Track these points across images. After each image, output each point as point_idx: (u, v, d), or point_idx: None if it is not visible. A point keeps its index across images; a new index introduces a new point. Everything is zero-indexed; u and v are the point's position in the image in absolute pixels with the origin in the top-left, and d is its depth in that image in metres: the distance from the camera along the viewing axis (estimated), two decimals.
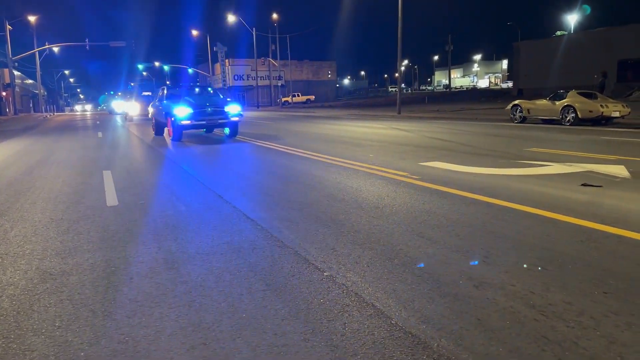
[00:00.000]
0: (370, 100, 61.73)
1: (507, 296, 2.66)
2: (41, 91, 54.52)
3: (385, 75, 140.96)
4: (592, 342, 2.16)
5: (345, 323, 2.41)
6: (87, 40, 43.60)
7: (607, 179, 5.83)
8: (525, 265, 3.11)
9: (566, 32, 47.25)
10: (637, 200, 4.75)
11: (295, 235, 3.95)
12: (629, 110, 15.55)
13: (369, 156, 8.69)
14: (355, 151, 9.63)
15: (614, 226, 3.87)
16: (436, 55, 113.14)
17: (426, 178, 6.25)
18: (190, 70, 66.99)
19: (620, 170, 6.36)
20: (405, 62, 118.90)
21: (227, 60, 68.29)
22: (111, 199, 5.75)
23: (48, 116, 46.04)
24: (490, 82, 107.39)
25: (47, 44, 46.59)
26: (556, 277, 2.91)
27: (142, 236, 4.11)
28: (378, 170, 7.05)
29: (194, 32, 60.32)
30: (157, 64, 70.19)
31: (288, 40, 59.82)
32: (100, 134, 17.92)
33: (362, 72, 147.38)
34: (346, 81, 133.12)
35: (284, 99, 60.20)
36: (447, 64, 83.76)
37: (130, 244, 3.89)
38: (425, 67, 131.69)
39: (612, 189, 5.29)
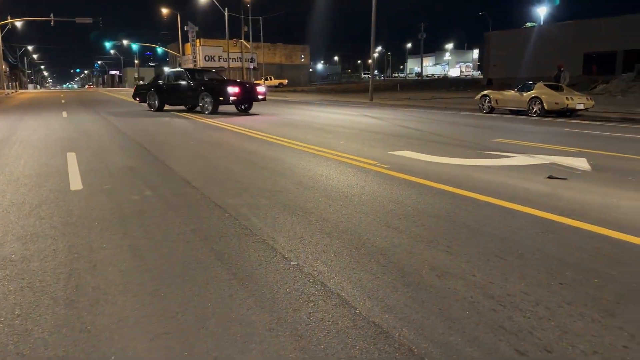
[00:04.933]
0: (343, 85, 61.69)
1: (468, 286, 2.74)
2: (2, 67, 52.37)
3: (359, 61, 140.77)
4: (546, 332, 2.25)
5: (310, 313, 2.45)
6: (52, 15, 42.00)
7: (568, 171, 6.03)
8: (485, 256, 3.20)
9: (536, 24, 48.05)
10: (595, 193, 4.93)
11: (263, 223, 3.95)
12: (592, 102, 16.01)
13: (339, 143, 8.72)
14: (327, 138, 9.64)
15: (572, 218, 4.01)
16: (409, 43, 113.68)
17: (395, 167, 6.33)
18: (159, 50, 65.40)
19: (582, 163, 6.57)
20: (379, 49, 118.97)
21: (198, 41, 66.88)
22: (75, 182, 5.62)
23: (10, 93, 44.36)
24: (461, 71, 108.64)
25: (9, 17, 44.68)
26: (515, 267, 3.01)
27: (106, 222, 4.04)
28: (348, 158, 7.08)
29: (164, 11, 58.78)
30: (125, 42, 68.23)
31: (261, 22, 59.00)
32: (65, 114, 17.39)
33: (336, 58, 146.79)
34: (320, 66, 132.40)
35: (255, 82, 59.52)
36: (419, 52, 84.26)
37: (95, 230, 3.82)
38: (399, 54, 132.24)
39: (572, 182, 5.47)
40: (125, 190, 5.18)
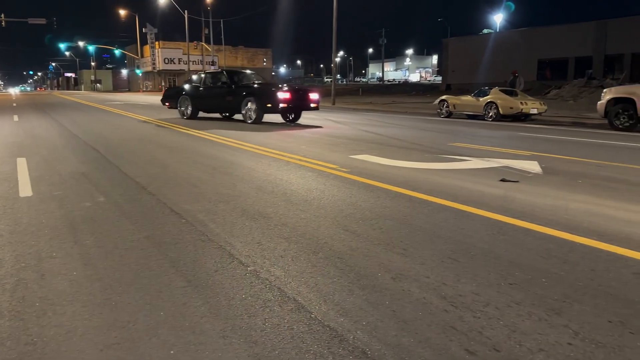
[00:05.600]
0: None
1: (422, 288, 2.79)
2: None
3: (322, 65, 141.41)
4: (495, 331, 2.32)
5: (265, 318, 2.43)
6: (2, 15, 40.39)
7: (521, 174, 6.23)
8: (439, 258, 3.27)
9: (492, 31, 49.54)
10: (546, 195, 5.11)
11: (220, 228, 3.91)
12: (545, 107, 16.65)
13: (301, 147, 8.73)
14: (288, 142, 9.63)
15: (522, 220, 4.15)
16: (371, 48, 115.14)
17: (355, 171, 6.38)
18: (117, 52, 63.87)
19: (533, 166, 6.80)
20: (341, 53, 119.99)
21: (157, 43, 65.71)
22: (25, 188, 5.41)
23: None
24: (421, 76, 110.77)
25: None
26: (467, 268, 3.09)
27: (56, 230, 3.90)
28: (309, 162, 7.10)
29: (122, 12, 57.46)
30: (81, 44, 66.28)
31: (222, 25, 58.50)
32: (16, 117, 16.73)
33: (299, 61, 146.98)
34: (282, 69, 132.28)
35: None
36: (380, 57, 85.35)
37: (43, 238, 3.69)
38: (361, 59, 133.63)
39: (524, 184, 5.66)
40: (77, 197, 5.02)
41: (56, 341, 2.24)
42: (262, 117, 13.63)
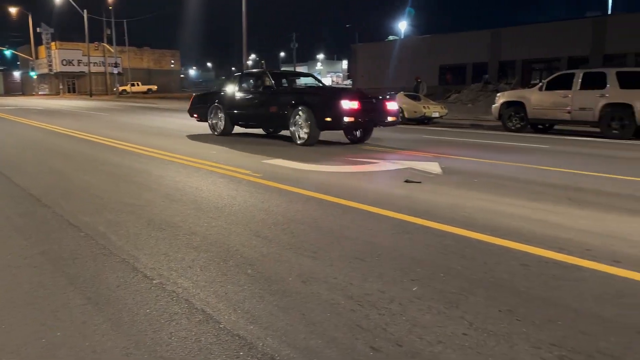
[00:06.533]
0: None
1: (330, 289, 2.86)
2: None
3: (233, 68, 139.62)
4: (398, 326, 2.43)
5: (172, 332, 2.37)
6: None
7: (423, 175, 6.58)
8: (347, 259, 3.37)
9: (397, 37, 51.79)
10: (445, 194, 5.44)
11: (123, 241, 3.74)
12: (446, 111, 17.71)
13: (211, 153, 8.57)
14: (198, 147, 9.42)
15: (424, 218, 4.38)
16: (282, 52, 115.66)
17: (268, 176, 6.38)
18: (7, 52, 58.79)
19: (435, 167, 7.21)
20: (253, 56, 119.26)
21: (53, 44, 61.34)
22: None
23: None
24: (332, 80, 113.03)
25: None
26: (374, 267, 3.21)
27: None
28: (220, 168, 6.99)
29: (13, 10, 52.98)
30: None
31: (125, 26, 55.89)
32: None
33: (209, 64, 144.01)
34: (192, 72, 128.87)
35: (121, 88, 56.10)
36: (293, 61, 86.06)
37: None
38: (273, 62, 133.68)
39: (426, 184, 5.98)
40: None
41: None
42: (318, 135, 9.60)
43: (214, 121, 11.90)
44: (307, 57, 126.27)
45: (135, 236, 3.85)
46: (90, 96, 50.25)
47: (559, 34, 32.35)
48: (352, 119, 9.14)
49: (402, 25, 55.71)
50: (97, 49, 56.09)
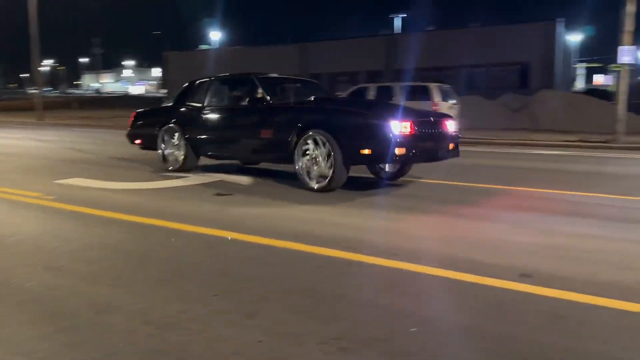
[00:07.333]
0: (5, 103, 52.84)
1: (128, 317, 2.76)
2: None
3: (27, 75, 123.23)
4: (199, 345, 2.46)
5: None
6: None
7: (234, 187, 6.71)
8: (150, 282, 3.29)
9: (210, 47, 51.62)
10: (253, 205, 5.64)
11: None
12: None
13: None
14: None
15: (233, 231, 4.48)
16: (85, 57, 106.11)
17: (63, 198, 5.83)
18: None
19: (245, 178, 7.40)
20: (51, 62, 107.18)
21: None
22: None
23: None
24: (146, 89, 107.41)
25: None
26: (177, 287, 3.19)
27: None
28: (3, 192, 6.16)
29: None
30: None
31: None
32: None
33: None
34: None
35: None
36: (97, 67, 79.48)
37: None
38: (74, 69, 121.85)
39: (237, 196, 6.11)
40: None
41: None
42: (345, 176, 6.22)
43: (168, 150, 8.01)
44: (114, 64, 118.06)
45: None
46: None
47: (359, 49, 35.85)
48: (404, 151, 5.76)
49: (215, 35, 55.71)
50: None
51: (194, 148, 7.74)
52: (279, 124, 6.67)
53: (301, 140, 6.21)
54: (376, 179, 7.25)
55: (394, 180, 7.18)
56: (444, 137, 6.45)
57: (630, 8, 14.33)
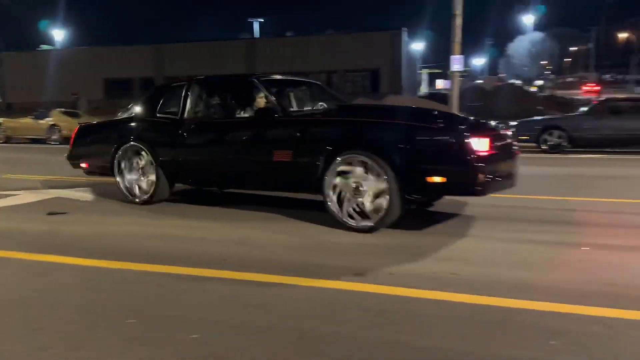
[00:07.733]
0: None
1: None
2: None
3: None
4: None
5: None
6: None
7: (72, 204, 6.17)
8: None
9: (52, 47, 47.04)
10: (90, 224, 5.24)
11: None
12: None
13: None
14: None
15: (64, 255, 4.09)
16: None
17: None
18: None
19: (86, 194, 6.84)
20: None
21: None
22: None
23: None
24: None
25: None
26: None
27: None
28: None
29: None
30: None
31: None
32: None
33: None
34: None
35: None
36: None
37: None
38: None
39: (74, 215, 5.61)
40: None
41: None
42: (401, 210, 4.42)
43: (130, 177, 6.02)
44: None
45: None
46: None
47: (218, 52, 35.32)
48: (488, 177, 4.26)
49: (58, 35, 50.86)
50: None
51: (170, 174, 5.80)
52: (300, 142, 4.89)
53: (333, 165, 4.59)
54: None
55: (428, 206, 5.57)
56: (514, 156, 4.99)
57: (458, 21, 16.15)
